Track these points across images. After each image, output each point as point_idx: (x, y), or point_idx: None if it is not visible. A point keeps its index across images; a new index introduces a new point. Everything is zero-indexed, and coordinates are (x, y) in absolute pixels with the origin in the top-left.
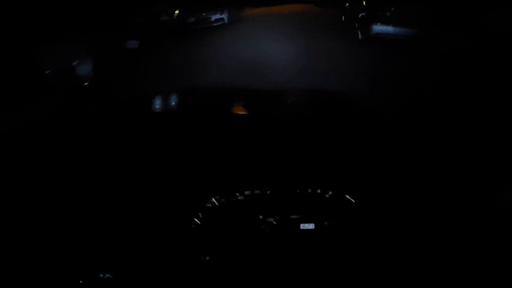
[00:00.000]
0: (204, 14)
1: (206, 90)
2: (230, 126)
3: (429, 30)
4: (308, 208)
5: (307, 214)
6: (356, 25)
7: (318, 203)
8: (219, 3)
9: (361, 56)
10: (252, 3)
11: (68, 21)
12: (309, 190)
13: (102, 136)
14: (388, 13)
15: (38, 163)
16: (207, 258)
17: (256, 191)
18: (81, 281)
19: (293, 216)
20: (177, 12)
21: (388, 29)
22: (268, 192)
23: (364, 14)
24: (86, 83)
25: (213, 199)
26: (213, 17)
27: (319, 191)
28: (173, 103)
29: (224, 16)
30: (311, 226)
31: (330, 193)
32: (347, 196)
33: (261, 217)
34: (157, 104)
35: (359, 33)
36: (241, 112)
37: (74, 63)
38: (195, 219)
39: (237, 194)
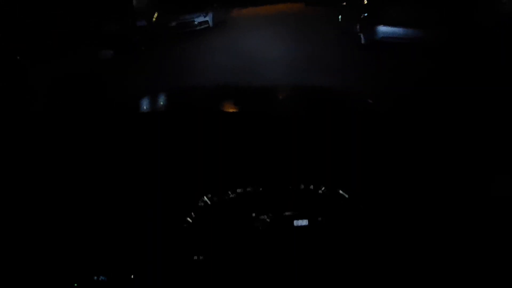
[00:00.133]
0: (186, 17)
1: (198, 90)
2: (221, 125)
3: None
4: (301, 204)
5: (300, 210)
6: (358, 26)
7: (311, 199)
8: (203, 4)
9: (354, 53)
10: (241, 3)
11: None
12: (302, 186)
13: (93, 137)
14: (395, 12)
15: (29, 165)
16: (201, 257)
17: (249, 189)
18: (75, 284)
19: (286, 213)
20: (155, 15)
21: (396, 31)
22: (261, 189)
23: (366, 14)
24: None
25: (205, 198)
26: (197, 20)
27: (312, 187)
28: (165, 103)
29: (209, 18)
30: (304, 222)
31: (323, 188)
32: (341, 192)
33: (254, 214)
34: (149, 104)
35: (362, 36)
36: (232, 110)
37: None
38: (188, 218)
39: (229, 192)
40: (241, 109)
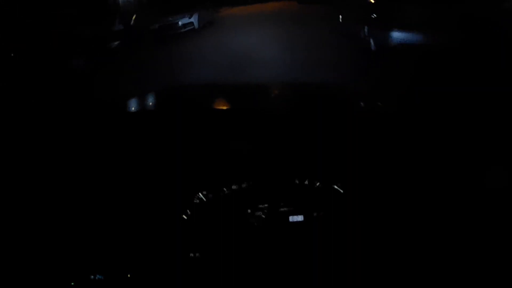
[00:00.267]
0: (170, 19)
1: (190, 88)
2: (215, 122)
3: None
4: (297, 200)
5: (295, 206)
6: (366, 30)
7: (306, 194)
8: (188, 5)
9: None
10: (231, 2)
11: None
12: (297, 182)
13: (86, 136)
14: (412, 13)
15: (23, 165)
16: (197, 254)
17: (244, 185)
18: (72, 283)
19: (281, 209)
20: (134, 18)
21: (412, 36)
22: (256, 185)
23: (375, 15)
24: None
25: (200, 195)
26: (181, 22)
27: (306, 182)
28: (158, 102)
29: (194, 20)
30: (300, 218)
31: (318, 184)
32: (335, 187)
33: (249, 211)
34: (141, 102)
35: (372, 41)
36: (226, 107)
37: None
38: (183, 216)
39: (225, 189)
40: (235, 107)
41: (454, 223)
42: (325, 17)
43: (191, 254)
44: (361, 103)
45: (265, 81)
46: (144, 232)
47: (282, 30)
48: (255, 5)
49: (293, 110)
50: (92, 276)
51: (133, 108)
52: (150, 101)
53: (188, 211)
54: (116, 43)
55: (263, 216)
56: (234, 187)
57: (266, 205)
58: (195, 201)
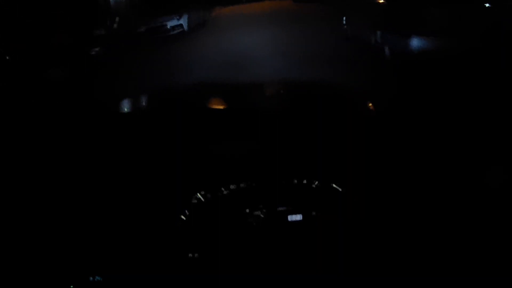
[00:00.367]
0: (159, 21)
1: (187, 88)
2: (213, 121)
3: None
4: (295, 199)
5: (294, 205)
6: (378, 35)
7: (305, 193)
8: (176, 6)
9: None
10: (225, 1)
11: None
12: (295, 181)
13: (83, 136)
14: (432, 17)
15: (21, 166)
16: (195, 255)
17: (242, 185)
18: (71, 286)
19: (280, 208)
20: (117, 21)
21: (433, 42)
22: (254, 185)
23: (389, 19)
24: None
25: (199, 195)
26: (170, 24)
27: (305, 181)
28: (154, 103)
29: (183, 21)
30: (298, 217)
31: (316, 183)
32: (334, 185)
33: (247, 210)
34: (138, 103)
35: (386, 49)
36: (223, 107)
37: None
38: (181, 216)
39: (223, 188)
40: (233, 106)
41: (454, 223)
42: (325, 17)
43: (190, 255)
44: (361, 103)
45: (262, 80)
46: (144, 232)
47: (278, 29)
48: (249, 4)
49: (291, 110)
50: (91, 278)
51: (129, 109)
52: (146, 103)
53: (186, 211)
54: (97, 48)
55: (262, 215)
56: (232, 186)
57: (264, 205)
58: (193, 201)
